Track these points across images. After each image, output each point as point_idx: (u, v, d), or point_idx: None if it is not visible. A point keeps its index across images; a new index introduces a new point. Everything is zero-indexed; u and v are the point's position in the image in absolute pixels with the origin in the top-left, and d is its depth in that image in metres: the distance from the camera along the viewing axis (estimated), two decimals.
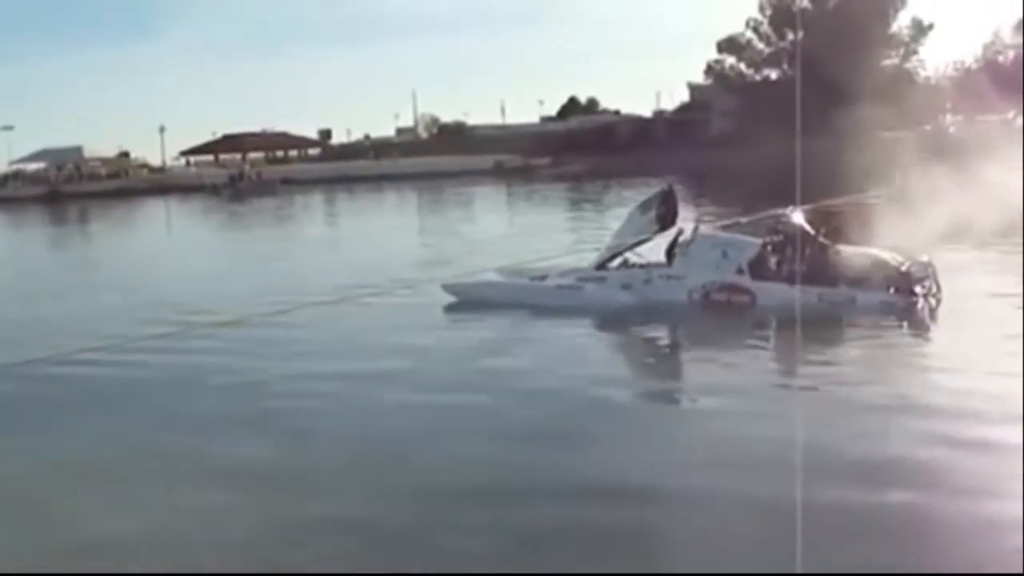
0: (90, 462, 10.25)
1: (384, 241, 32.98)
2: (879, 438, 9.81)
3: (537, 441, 10.30)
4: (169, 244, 41.73)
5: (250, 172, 77.78)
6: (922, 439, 9.69)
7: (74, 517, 8.69)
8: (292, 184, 72.43)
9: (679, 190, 18.62)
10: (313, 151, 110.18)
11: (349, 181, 73.96)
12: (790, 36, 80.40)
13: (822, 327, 14.71)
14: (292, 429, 11.03)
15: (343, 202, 60.67)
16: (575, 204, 48.14)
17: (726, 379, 12.52)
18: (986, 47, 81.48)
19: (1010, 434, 9.43)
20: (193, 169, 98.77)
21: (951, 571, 7.08)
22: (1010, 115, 69.04)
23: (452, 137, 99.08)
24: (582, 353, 14.39)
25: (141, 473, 9.86)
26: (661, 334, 16.37)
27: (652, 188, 20.25)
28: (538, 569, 7.45)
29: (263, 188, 69.85)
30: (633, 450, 9.94)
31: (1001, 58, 79.16)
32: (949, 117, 76.86)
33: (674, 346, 15.96)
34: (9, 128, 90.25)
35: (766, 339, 15.12)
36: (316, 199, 63.14)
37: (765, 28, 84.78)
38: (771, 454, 9.35)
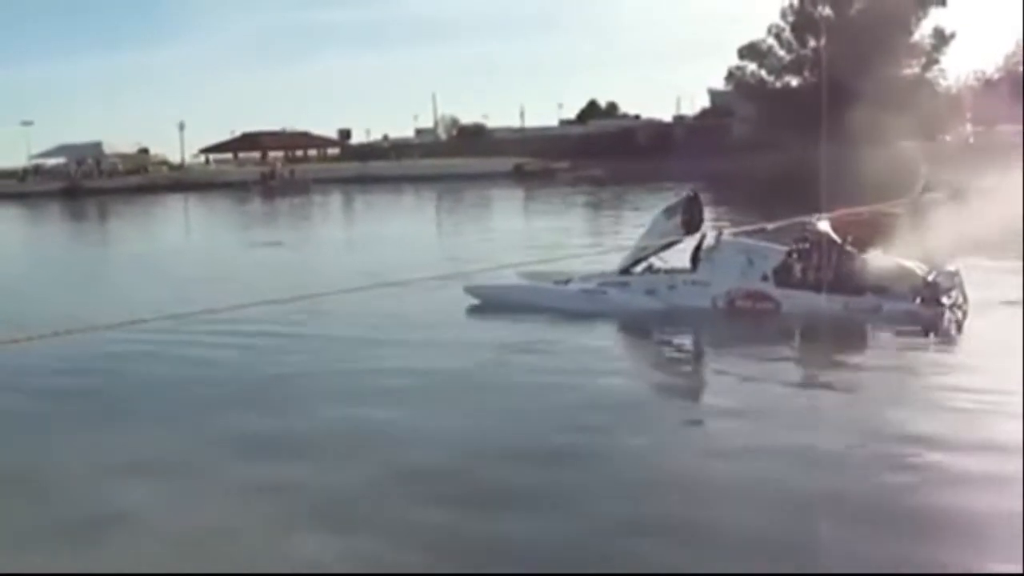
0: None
1: (414, 241, 33.25)
2: (882, 439, 9.91)
3: (547, 442, 10.38)
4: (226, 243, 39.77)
5: (282, 170, 77.91)
6: (923, 440, 9.77)
7: None
8: (316, 183, 72.32)
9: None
10: (332, 151, 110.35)
11: (370, 181, 73.93)
12: (811, 43, 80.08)
13: (846, 336, 14.75)
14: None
15: (370, 202, 60.69)
16: (595, 208, 48.08)
17: (744, 384, 12.59)
18: (1008, 57, 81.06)
19: (1011, 435, 9.51)
20: (213, 167, 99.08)
21: (951, 571, 7.14)
22: None
23: (471, 139, 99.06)
24: (604, 357, 14.41)
25: None
26: (684, 340, 16.37)
27: (672, 193, 20.22)
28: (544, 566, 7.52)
29: (295, 187, 69.84)
30: (648, 449, 10.11)
31: (1022, 69, 78.65)
32: (969, 127, 76.53)
33: (697, 352, 15.96)
34: (29, 123, 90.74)
35: (789, 347, 15.11)
36: (341, 199, 63.29)
37: (787, 35, 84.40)
38: (775, 457, 9.46)
